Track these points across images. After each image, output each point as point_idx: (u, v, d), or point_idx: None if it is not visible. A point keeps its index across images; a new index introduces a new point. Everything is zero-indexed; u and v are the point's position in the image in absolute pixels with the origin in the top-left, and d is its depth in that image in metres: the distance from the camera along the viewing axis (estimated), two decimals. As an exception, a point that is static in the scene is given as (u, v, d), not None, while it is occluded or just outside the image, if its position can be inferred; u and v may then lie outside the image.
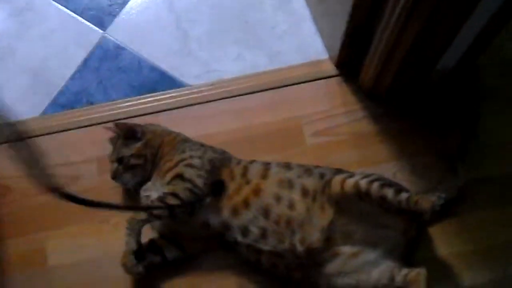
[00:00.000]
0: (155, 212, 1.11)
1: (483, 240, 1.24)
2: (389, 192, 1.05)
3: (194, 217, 1.16)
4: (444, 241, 1.23)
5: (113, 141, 1.27)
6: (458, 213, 1.25)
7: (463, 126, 1.35)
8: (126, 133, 1.25)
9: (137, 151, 1.23)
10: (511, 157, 1.33)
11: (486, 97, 1.38)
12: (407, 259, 1.13)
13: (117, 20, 1.56)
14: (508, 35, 1.30)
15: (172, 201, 1.11)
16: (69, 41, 1.53)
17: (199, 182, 1.15)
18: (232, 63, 1.48)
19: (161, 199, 1.12)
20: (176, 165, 1.18)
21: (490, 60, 1.39)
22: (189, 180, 1.14)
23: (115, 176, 1.24)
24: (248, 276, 1.22)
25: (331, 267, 1.10)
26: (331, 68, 1.43)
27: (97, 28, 1.54)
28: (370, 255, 1.10)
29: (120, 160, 1.23)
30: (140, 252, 1.13)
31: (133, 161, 1.23)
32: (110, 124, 1.28)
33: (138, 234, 1.11)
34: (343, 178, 1.10)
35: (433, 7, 1.00)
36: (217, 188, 1.15)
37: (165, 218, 1.14)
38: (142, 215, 1.11)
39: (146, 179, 1.24)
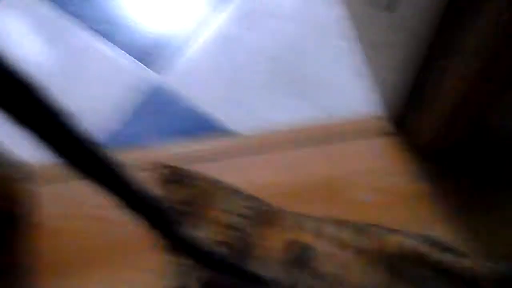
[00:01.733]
0: None
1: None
2: (450, 257, 1.04)
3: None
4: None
5: (159, 184, 1.29)
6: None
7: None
8: (174, 177, 1.27)
9: (185, 197, 1.25)
10: None
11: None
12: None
13: (174, 66, 1.61)
14: None
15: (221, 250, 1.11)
16: (123, 86, 1.59)
17: (249, 232, 1.15)
18: (286, 115, 1.50)
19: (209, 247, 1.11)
20: (226, 214, 1.19)
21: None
22: (239, 230, 1.15)
23: None
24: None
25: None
26: (387, 125, 1.43)
27: (152, 74, 1.60)
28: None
29: None
30: None
31: (179, 208, 1.24)
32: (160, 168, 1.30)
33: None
34: (400, 239, 1.09)
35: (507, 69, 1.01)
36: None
37: None
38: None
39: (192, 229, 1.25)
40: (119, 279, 1.29)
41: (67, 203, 1.40)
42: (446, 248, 1.05)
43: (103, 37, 1.67)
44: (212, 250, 0.64)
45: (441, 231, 1.26)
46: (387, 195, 1.35)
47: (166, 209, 1.22)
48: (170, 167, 1.27)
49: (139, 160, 1.44)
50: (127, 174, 0.47)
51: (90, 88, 1.60)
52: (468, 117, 1.18)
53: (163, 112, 1.54)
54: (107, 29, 1.68)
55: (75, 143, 0.42)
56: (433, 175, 1.37)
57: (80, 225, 1.36)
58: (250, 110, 1.53)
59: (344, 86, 1.54)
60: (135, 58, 1.62)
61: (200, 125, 1.51)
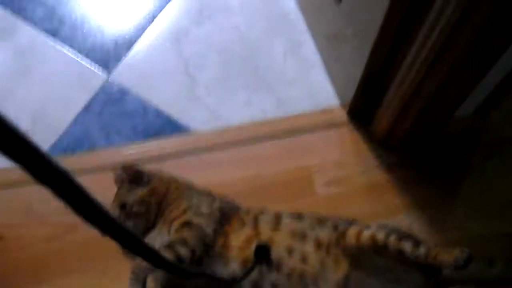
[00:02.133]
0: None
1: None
2: (407, 246, 1.04)
3: (201, 268, 1.15)
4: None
5: (117, 183, 1.28)
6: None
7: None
8: (132, 177, 1.24)
9: (142, 197, 1.22)
10: None
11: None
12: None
13: (122, 63, 1.58)
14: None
15: (180, 249, 1.09)
16: (71, 84, 1.55)
17: (209, 230, 1.14)
18: (240, 110, 1.50)
19: (169, 246, 1.10)
20: (183, 213, 1.17)
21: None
22: (198, 228, 1.13)
23: None
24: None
25: (346, 325, 1.09)
26: (342, 116, 1.45)
27: (101, 71, 1.57)
28: (386, 312, 1.09)
29: (122, 207, 1.22)
30: None
31: (136, 208, 1.22)
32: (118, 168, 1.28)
33: (143, 283, 1.09)
34: (358, 230, 1.09)
35: (457, 59, 1.03)
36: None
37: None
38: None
39: (149, 228, 1.23)
40: (75, 285, 1.27)
41: (14, 210, 1.37)
42: (403, 237, 1.07)
43: (51, 35, 1.63)
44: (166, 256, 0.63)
45: (399, 220, 1.29)
46: (345, 186, 1.37)
47: (118, 218, 1.21)
48: (127, 167, 1.25)
49: (94, 162, 1.42)
50: (78, 182, 0.46)
51: (38, 88, 1.55)
52: (420, 106, 1.20)
53: (115, 111, 1.51)
54: (54, 28, 1.64)
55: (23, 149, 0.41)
56: (391, 165, 1.39)
57: (27, 233, 1.34)
58: (204, 105, 1.51)
59: (298, 79, 1.55)
60: (83, 56, 1.59)
61: (154, 123, 1.49)
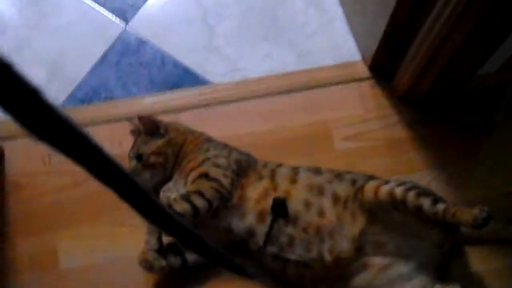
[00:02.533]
0: (179, 209, 1.08)
1: (522, 258, 1.22)
2: (426, 202, 1.04)
3: (217, 221, 1.15)
4: (480, 257, 1.22)
5: (134, 134, 1.28)
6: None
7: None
8: (149, 128, 1.25)
9: (158, 148, 1.23)
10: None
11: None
12: (441, 274, 1.12)
13: (140, 13, 1.56)
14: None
15: (197, 199, 1.10)
16: (88, 33, 1.54)
17: (226, 182, 1.14)
18: (259, 62, 1.48)
19: (185, 197, 1.11)
20: (200, 164, 1.18)
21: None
22: (215, 179, 1.13)
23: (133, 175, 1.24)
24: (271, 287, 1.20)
25: (360, 280, 1.10)
26: (364, 70, 1.43)
27: (118, 21, 1.55)
28: (402, 268, 1.09)
29: (139, 157, 1.23)
30: (161, 252, 1.12)
31: (152, 159, 1.22)
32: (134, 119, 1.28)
33: (160, 232, 1.11)
34: (377, 185, 1.09)
35: (485, 11, 1.00)
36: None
37: (188, 218, 1.11)
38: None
39: (166, 179, 1.24)
40: (92, 233, 1.29)
41: (30, 158, 1.38)
42: (422, 193, 1.06)
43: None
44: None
45: (418, 177, 1.28)
46: (365, 142, 1.36)
47: (134, 169, 1.22)
48: (144, 118, 1.25)
49: (111, 112, 1.43)
50: (94, 141, 0.44)
51: (54, 38, 1.54)
52: (443, 62, 1.17)
53: (132, 61, 1.50)
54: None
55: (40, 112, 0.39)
56: (412, 122, 1.38)
57: (45, 181, 1.36)
58: (223, 57, 1.49)
59: (319, 31, 1.51)
60: (101, 5, 1.57)
61: (171, 74, 1.48)
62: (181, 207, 1.08)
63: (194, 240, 0.65)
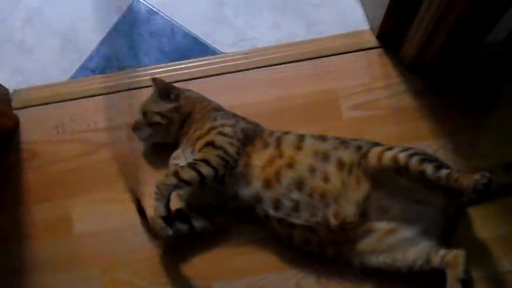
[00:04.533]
0: (186, 177, 1.13)
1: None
2: (429, 167, 1.05)
3: (224, 187, 1.20)
4: (484, 223, 1.24)
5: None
6: (500, 194, 1.24)
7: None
8: (161, 91, 1.30)
9: (165, 111, 1.29)
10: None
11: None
12: (445, 239, 1.14)
13: (151, -17, 1.58)
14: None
15: (203, 167, 1.14)
16: (100, 4, 1.57)
17: (231, 150, 1.18)
18: (268, 32, 1.50)
19: (192, 165, 1.15)
20: (207, 133, 1.21)
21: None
22: (221, 148, 1.17)
23: (135, 127, 1.31)
24: (277, 252, 1.25)
25: (365, 244, 1.13)
26: (371, 39, 1.44)
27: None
28: (406, 232, 1.12)
29: (144, 113, 1.30)
30: (168, 219, 1.15)
31: (156, 118, 1.29)
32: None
33: (167, 199, 1.14)
34: (381, 150, 1.11)
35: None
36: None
37: (195, 185, 1.16)
38: (172, 180, 1.13)
39: (168, 143, 1.31)
40: (105, 200, 1.34)
41: (44, 127, 1.43)
42: (426, 159, 1.08)
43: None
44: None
45: (425, 146, 1.29)
46: (372, 111, 1.38)
47: (138, 123, 1.26)
48: (158, 80, 1.32)
49: (120, 82, 1.46)
50: None
51: (66, 9, 1.58)
52: (450, 28, 1.18)
53: (143, 31, 1.53)
54: None
55: None
56: (420, 90, 1.39)
57: (59, 149, 1.41)
58: (232, 27, 1.52)
59: (327, 1, 1.53)
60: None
61: (181, 44, 1.51)
62: (188, 175, 1.13)
63: None
